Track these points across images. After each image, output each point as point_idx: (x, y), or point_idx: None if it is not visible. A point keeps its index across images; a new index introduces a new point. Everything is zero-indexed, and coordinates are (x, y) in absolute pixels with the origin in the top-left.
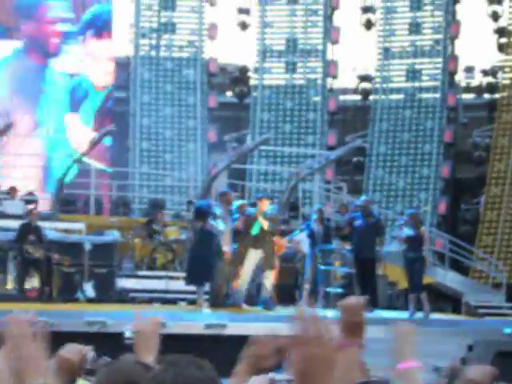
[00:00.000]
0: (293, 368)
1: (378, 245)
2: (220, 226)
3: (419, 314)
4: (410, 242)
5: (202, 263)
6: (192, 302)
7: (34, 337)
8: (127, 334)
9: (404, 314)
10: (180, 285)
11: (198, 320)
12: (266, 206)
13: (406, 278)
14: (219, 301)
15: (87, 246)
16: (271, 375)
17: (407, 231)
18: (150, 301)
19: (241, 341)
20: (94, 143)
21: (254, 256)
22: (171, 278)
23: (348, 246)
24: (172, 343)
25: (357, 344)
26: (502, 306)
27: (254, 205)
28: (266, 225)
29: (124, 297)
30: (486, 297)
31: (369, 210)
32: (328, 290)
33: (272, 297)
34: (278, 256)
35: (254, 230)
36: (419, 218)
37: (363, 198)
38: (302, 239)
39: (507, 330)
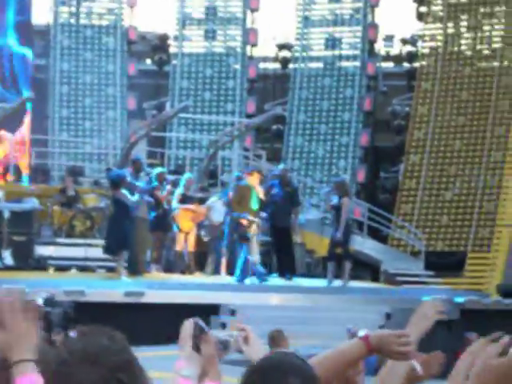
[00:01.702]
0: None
1: (293, 214)
2: (134, 195)
3: (338, 282)
4: (334, 210)
5: (119, 232)
6: (111, 270)
7: (25, 313)
8: (39, 301)
9: (322, 282)
10: (99, 252)
11: (117, 288)
12: (258, 179)
13: (329, 245)
14: (138, 269)
15: (5, 214)
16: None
17: (333, 200)
18: (69, 268)
19: (159, 308)
20: (14, 111)
21: (256, 229)
22: (90, 245)
23: (265, 214)
24: (91, 311)
25: None
26: (420, 273)
27: (174, 173)
28: (261, 196)
29: (43, 264)
30: (405, 265)
31: (286, 179)
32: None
33: (191, 264)
34: (196, 224)
35: (254, 204)
36: (344, 186)
37: (281, 166)
38: (214, 206)
39: (425, 298)
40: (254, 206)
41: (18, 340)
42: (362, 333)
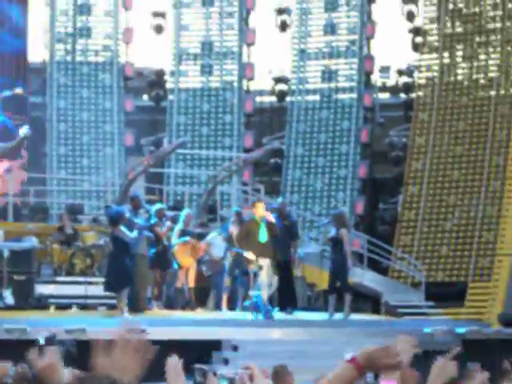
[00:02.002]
0: None
1: (292, 247)
2: (133, 232)
3: (339, 315)
4: (332, 242)
5: (119, 269)
6: (112, 307)
7: (136, 352)
8: (41, 340)
9: (323, 315)
10: (99, 290)
11: (118, 325)
12: (262, 210)
13: (328, 278)
14: (139, 306)
15: (5, 253)
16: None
17: (331, 232)
18: (69, 306)
19: (161, 345)
20: (12, 149)
21: (266, 264)
22: (90, 283)
23: None
24: (92, 349)
25: None
26: (421, 305)
27: (173, 209)
28: (271, 229)
29: (43, 303)
30: (406, 296)
31: (285, 212)
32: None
33: (192, 299)
34: (197, 259)
35: (262, 238)
36: (341, 218)
37: (279, 200)
38: (213, 242)
39: (427, 330)
40: (263, 238)
41: (118, 373)
42: (348, 356)
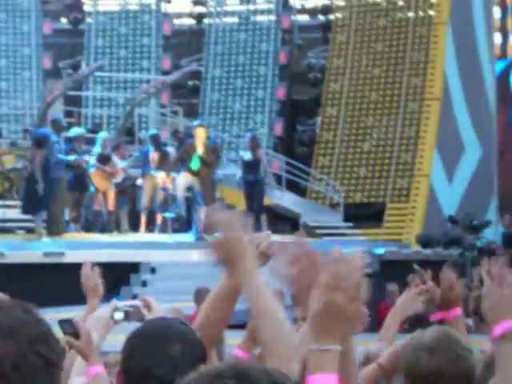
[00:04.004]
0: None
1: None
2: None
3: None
4: (248, 165)
5: (37, 192)
6: (30, 231)
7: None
8: None
9: None
10: (18, 213)
11: (37, 248)
12: (203, 134)
13: (245, 200)
14: (57, 229)
15: None
16: (114, 303)
17: (245, 155)
18: None
19: (79, 268)
20: None
21: (184, 179)
22: (8, 206)
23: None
24: (11, 272)
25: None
26: (339, 226)
27: (91, 131)
28: (204, 154)
29: None
30: (324, 217)
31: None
32: (165, 214)
33: (110, 223)
34: (113, 183)
35: (194, 165)
36: (256, 141)
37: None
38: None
39: (345, 251)
40: (194, 166)
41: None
42: None
